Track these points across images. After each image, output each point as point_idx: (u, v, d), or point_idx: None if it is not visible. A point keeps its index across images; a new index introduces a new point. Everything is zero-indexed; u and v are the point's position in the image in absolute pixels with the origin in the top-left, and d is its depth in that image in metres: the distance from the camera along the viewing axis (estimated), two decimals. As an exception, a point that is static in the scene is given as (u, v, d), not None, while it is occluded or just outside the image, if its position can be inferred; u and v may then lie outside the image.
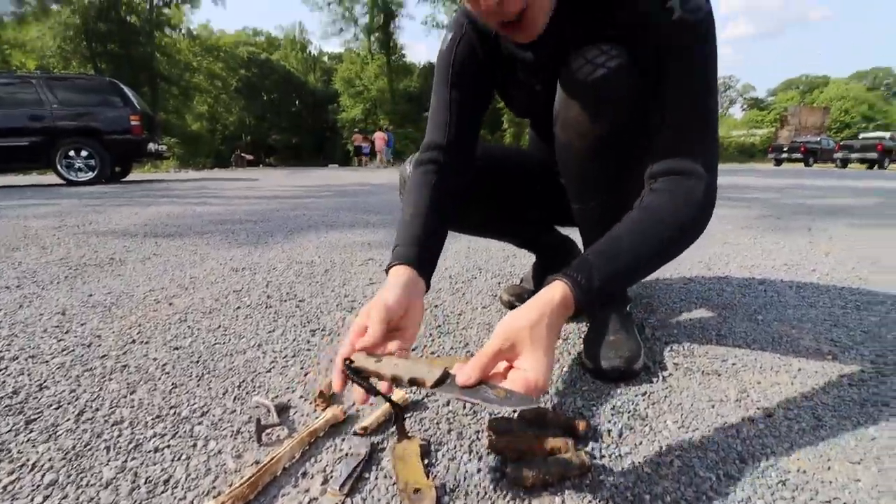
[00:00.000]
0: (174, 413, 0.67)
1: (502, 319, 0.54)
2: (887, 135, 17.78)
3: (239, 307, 1.15)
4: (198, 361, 0.84)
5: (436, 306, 1.15)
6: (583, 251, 0.95)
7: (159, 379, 0.77)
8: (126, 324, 1.03)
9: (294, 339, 0.95)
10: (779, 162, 19.19)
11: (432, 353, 0.88)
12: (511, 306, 1.11)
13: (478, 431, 0.62)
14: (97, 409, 0.68)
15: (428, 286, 0.71)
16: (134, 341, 0.93)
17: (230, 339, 0.95)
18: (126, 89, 6.61)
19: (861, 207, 3.38)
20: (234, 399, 0.71)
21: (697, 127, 0.64)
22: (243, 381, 0.77)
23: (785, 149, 19.11)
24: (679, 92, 0.63)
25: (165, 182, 7.08)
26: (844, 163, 17.20)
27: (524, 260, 1.61)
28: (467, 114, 0.81)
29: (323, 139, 35.21)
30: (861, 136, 19.98)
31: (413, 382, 0.49)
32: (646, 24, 0.63)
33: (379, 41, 31.18)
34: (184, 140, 24.91)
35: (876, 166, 16.38)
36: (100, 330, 0.99)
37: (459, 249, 1.81)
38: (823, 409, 0.67)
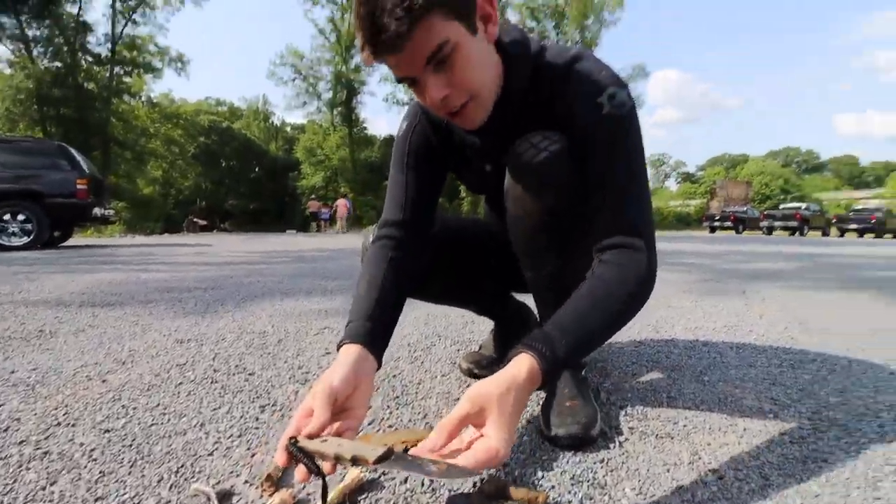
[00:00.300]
0: (99, 507, 0.60)
1: (471, 386, 0.55)
2: (803, 205, 19.90)
3: (181, 382, 1.08)
4: (131, 445, 0.77)
5: (394, 376, 1.12)
6: (538, 317, 0.98)
7: (85, 467, 0.70)
8: (51, 404, 0.94)
9: (241, 417, 0.89)
10: (713, 229, 20.86)
11: (390, 426, 0.86)
12: (470, 374, 1.10)
13: (436, 510, 0.60)
14: (6, 507, 0.60)
15: (379, 363, 0.72)
16: (59, 423, 0.85)
17: (169, 419, 0.88)
18: (75, 153, 6.44)
19: (788, 271, 3.69)
20: (171, 487, 0.65)
21: (634, 205, 0.71)
22: (182, 466, 0.71)
23: (717, 217, 20.90)
24: (613, 174, 0.71)
25: (109, 248, 6.74)
26: (770, 230, 18.93)
27: (483, 326, 1.63)
28: (423, 194, 0.87)
29: (282, 205, 35.10)
30: (781, 206, 22.26)
31: (356, 461, 0.47)
32: (581, 116, 0.71)
33: (341, 114, 32.47)
34: (133, 204, 24.09)
35: (797, 233, 18.12)
36: (20, 412, 0.90)
37: (419, 316, 1.81)
38: (770, 468, 0.70)
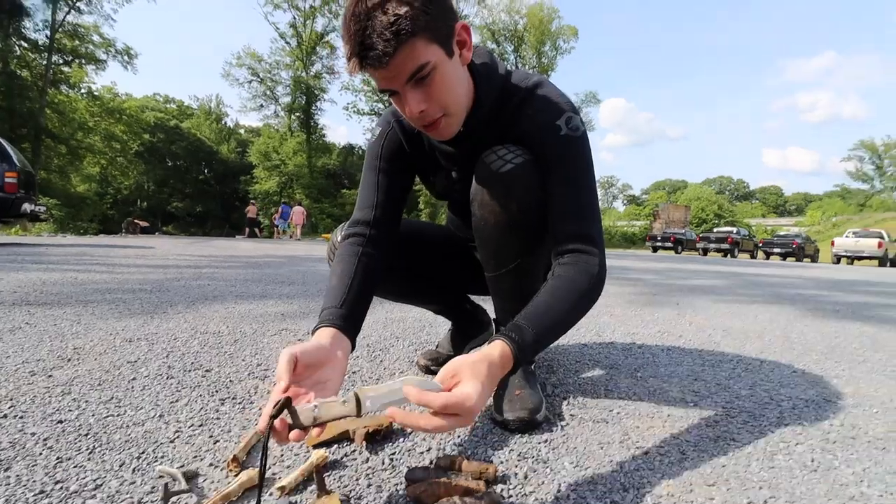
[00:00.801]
0: (61, 489, 0.61)
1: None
2: (734, 230, 21.54)
3: (134, 378, 1.07)
4: (87, 434, 0.77)
5: (353, 372, 1.16)
6: (495, 316, 1.05)
7: (40, 454, 0.69)
8: (-7, 398, 0.90)
9: (201, 409, 0.90)
10: (655, 249, 22.14)
11: (350, 415, 0.90)
12: (427, 370, 1.16)
13: (396, 484, 0.65)
14: (-39, 489, 0.59)
15: (353, 345, 0.77)
16: (5, 416, 0.82)
17: (125, 411, 0.88)
18: (5, 144, 5.96)
19: (718, 287, 4.02)
20: (134, 471, 0.66)
21: (587, 216, 0.81)
22: (143, 453, 0.72)
23: (659, 238, 22.20)
24: (569, 189, 0.81)
25: (38, 247, 6.23)
26: (705, 251, 20.34)
27: (439, 329, 1.69)
28: (392, 195, 0.93)
29: (230, 209, 33.72)
30: (715, 230, 24.01)
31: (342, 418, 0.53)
32: (540, 135, 0.81)
33: (300, 120, 31.84)
34: (66, 202, 22.28)
35: (728, 255, 19.57)
36: (-42, 405, 0.86)
37: (377, 319, 1.85)
38: (687, 446, 0.80)
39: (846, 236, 18.47)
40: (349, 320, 0.77)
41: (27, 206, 6.05)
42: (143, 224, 21.55)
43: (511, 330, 0.68)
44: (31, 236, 11.14)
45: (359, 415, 0.53)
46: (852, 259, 17.97)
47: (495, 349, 0.64)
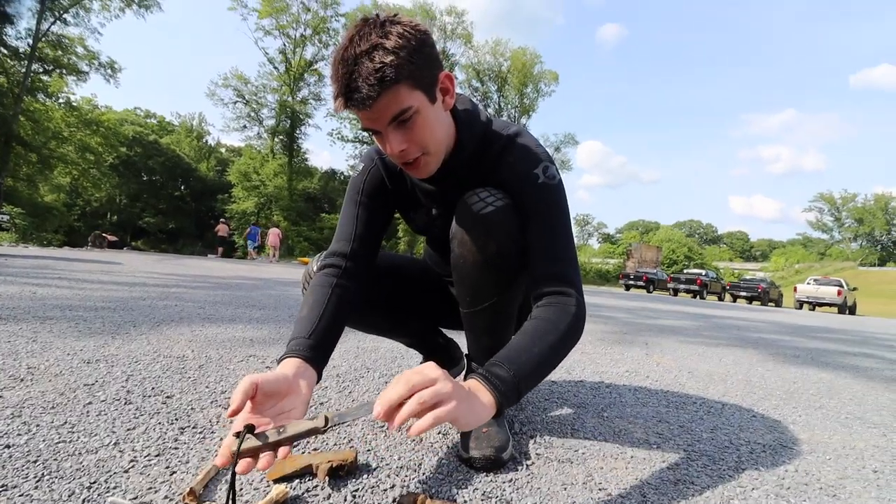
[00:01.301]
0: (1, 520, 0.58)
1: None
2: (703, 272, 22.26)
3: (90, 402, 1.02)
4: (35, 461, 0.73)
5: (321, 404, 1.14)
6: (468, 351, 1.06)
7: (-18, 482, 0.66)
8: (-66, 420, 0.85)
9: (159, 437, 0.87)
10: (628, 287, 22.62)
11: (315, 448, 0.88)
12: (396, 403, 1.15)
13: (358, 522, 0.64)
14: None
15: (319, 377, 0.77)
16: (-54, 439, 0.78)
17: (79, 438, 0.84)
18: (-29, 150, 5.75)
19: (686, 328, 4.13)
20: (84, 501, 0.64)
21: (564, 259, 0.84)
22: (94, 483, 0.69)
23: (632, 277, 22.73)
24: (546, 233, 0.84)
25: (-5, 257, 5.95)
26: (675, 292, 20.88)
27: (411, 361, 1.68)
28: (370, 230, 0.96)
29: (205, 227, 33.03)
30: (685, 271, 24.76)
31: (309, 433, 0.56)
32: (520, 183, 0.85)
33: (283, 143, 31.87)
34: (31, 212, 21.40)
35: (697, 296, 20.13)
36: None
37: (349, 349, 1.83)
38: (647, 488, 0.82)
39: (808, 283, 19.28)
40: (317, 350, 0.77)
41: (-12, 215, 5.80)
42: (111, 238, 20.73)
43: (488, 373, 0.69)
44: (-12, 245, 10.61)
45: (324, 430, 0.54)
46: (814, 305, 18.72)
47: (471, 383, 0.66)
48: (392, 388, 0.57)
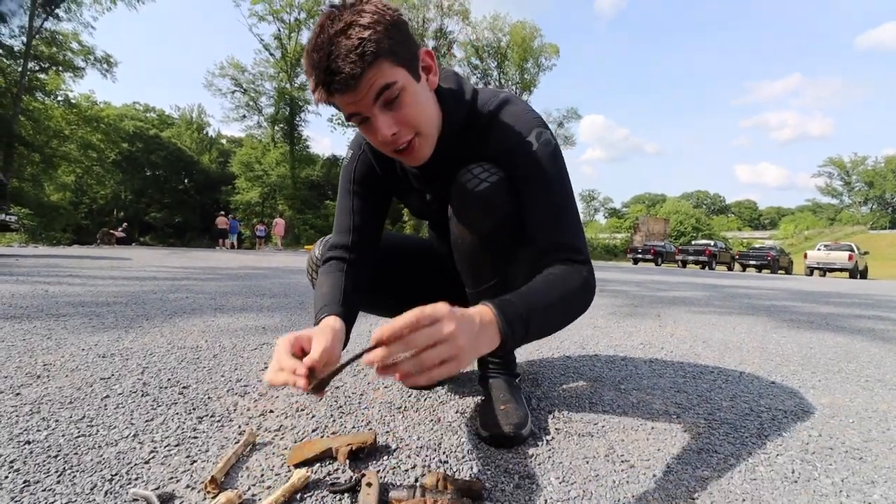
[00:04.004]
0: (26, 514, 0.58)
1: None
2: (712, 242, 22.05)
3: (108, 396, 1.03)
4: (56, 456, 0.74)
5: (337, 387, 1.14)
6: None
7: (6, 478, 0.66)
8: (-45, 418, 0.86)
9: (178, 427, 0.88)
10: (636, 261, 22.51)
11: (334, 432, 0.88)
12: (412, 385, 1.15)
13: None
14: (-84, 518, 0.56)
15: (347, 338, 0.79)
16: (-32, 437, 0.78)
17: (98, 431, 0.84)
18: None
19: (697, 299, 4.10)
20: (106, 494, 0.64)
21: (570, 225, 0.80)
22: (116, 475, 0.69)
23: (640, 250, 22.59)
24: (548, 202, 0.80)
25: (7, 257, 6.02)
26: (684, 263, 20.75)
27: (423, 342, 1.68)
28: (368, 219, 0.94)
29: (211, 220, 33.18)
30: (693, 243, 24.55)
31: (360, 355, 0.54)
32: (513, 153, 0.81)
33: (283, 131, 31.61)
34: (38, 212, 21.57)
35: (706, 267, 20.00)
36: (-83, 427, 0.82)
37: (361, 332, 1.83)
38: (671, 458, 0.81)
39: (818, 249, 19.06)
40: (346, 310, 0.80)
41: (-3, 216, 5.84)
42: (119, 234, 20.89)
43: (499, 301, 0.64)
44: (0, 247, 10.75)
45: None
46: (824, 271, 18.54)
47: (477, 308, 0.61)
48: (399, 321, 0.51)
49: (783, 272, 19.93)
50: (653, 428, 0.95)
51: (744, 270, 20.44)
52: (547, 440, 0.86)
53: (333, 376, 0.60)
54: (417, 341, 0.51)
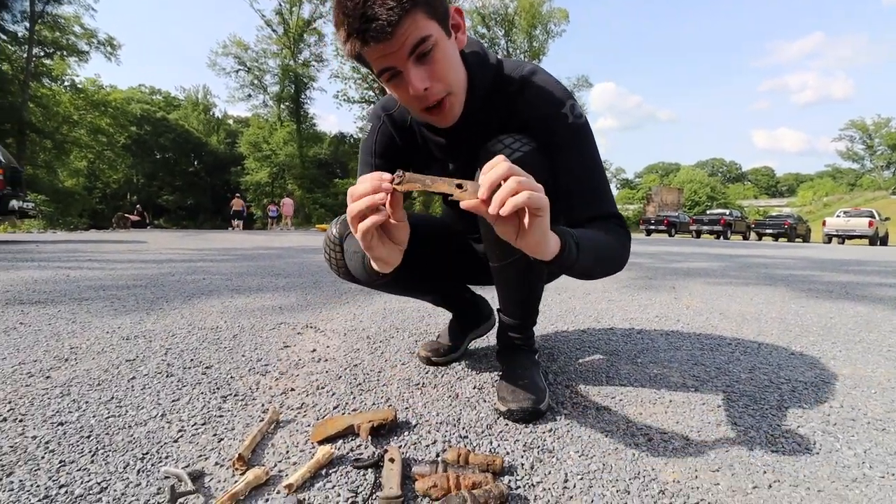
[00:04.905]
0: (66, 493, 0.60)
1: None
2: (727, 211, 21.66)
3: (134, 377, 1.06)
4: (89, 437, 0.76)
5: (355, 365, 1.16)
6: (497, 307, 1.05)
7: (42, 458, 0.69)
8: (-9, 401, 0.89)
9: (203, 407, 0.90)
10: (649, 232, 22.24)
11: (354, 409, 0.89)
12: (428, 361, 1.16)
13: (403, 479, 0.65)
14: (-37, 497, 0.59)
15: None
16: (4, 419, 0.81)
17: (127, 412, 0.87)
18: (-12, 140, 5.83)
19: (712, 270, 4.05)
20: (139, 472, 0.66)
21: (604, 194, 0.83)
22: (147, 454, 0.71)
23: (653, 221, 22.28)
24: (583, 174, 0.81)
25: (28, 244, 6.15)
26: (698, 234, 20.45)
27: (439, 319, 1.69)
28: None
29: (222, 201, 33.39)
30: (708, 212, 24.12)
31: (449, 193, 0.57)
32: (547, 124, 0.80)
33: (289, 109, 31.35)
34: (54, 198, 21.92)
35: (721, 237, 19.70)
36: (-44, 410, 0.85)
37: (376, 311, 1.84)
38: (690, 431, 0.81)
39: (837, 216, 18.61)
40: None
41: (15, 203, 5.95)
42: (134, 218, 21.21)
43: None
44: (20, 233, 10.99)
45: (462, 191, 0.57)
46: (843, 238, 18.14)
47: None
48: (492, 171, 0.56)
49: (800, 240, 19.57)
50: (671, 401, 0.95)
51: (760, 239, 20.09)
52: (565, 414, 0.87)
53: (418, 187, 0.58)
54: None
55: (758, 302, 2.26)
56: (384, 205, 0.60)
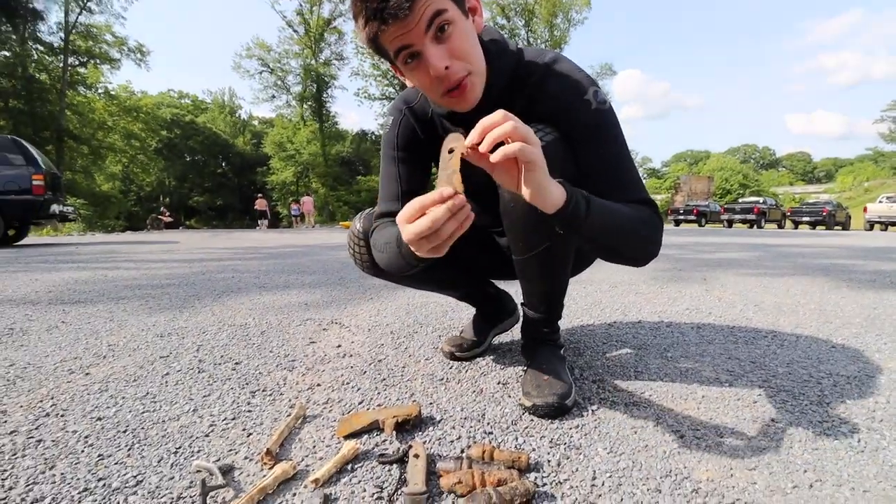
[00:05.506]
0: (104, 486, 0.63)
1: None
2: (760, 199, 20.86)
3: (168, 373, 1.09)
4: (125, 431, 0.79)
5: (379, 361, 1.16)
6: (521, 302, 1.03)
7: (82, 452, 0.72)
8: (36, 397, 0.94)
9: (233, 402, 0.92)
10: (678, 223, 21.63)
11: (379, 404, 0.90)
12: (452, 356, 1.16)
13: (429, 475, 0.65)
14: (11, 489, 0.61)
15: None
16: (48, 414, 0.85)
17: (161, 407, 0.90)
18: (30, 147, 6.13)
19: (745, 260, 3.91)
20: (172, 466, 0.68)
21: (635, 180, 0.81)
22: (180, 448, 0.73)
23: (681, 211, 21.66)
24: (611, 161, 0.80)
25: (69, 246, 6.45)
26: (730, 223, 19.80)
27: (461, 314, 1.68)
28: (414, 185, 0.93)
29: (249, 201, 34.26)
30: (740, 200, 23.27)
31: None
32: (571, 112, 0.78)
33: (312, 108, 31.79)
34: (92, 201, 22.93)
35: (755, 226, 19.01)
36: (4, 405, 0.89)
37: (399, 306, 1.85)
38: (724, 429, 0.78)
39: (879, 201, 17.66)
40: None
41: (56, 208, 6.24)
42: (168, 219, 21.98)
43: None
44: (61, 236, 11.55)
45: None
46: (887, 225, 17.23)
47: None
48: (488, 117, 0.58)
49: (840, 228, 18.68)
50: (703, 396, 0.92)
51: (796, 228, 19.28)
52: (592, 410, 0.85)
53: (454, 173, 0.60)
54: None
55: (794, 293, 2.17)
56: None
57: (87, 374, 1.08)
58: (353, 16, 0.68)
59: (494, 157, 0.56)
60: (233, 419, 0.84)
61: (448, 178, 0.60)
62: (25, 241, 7.52)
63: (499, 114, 0.57)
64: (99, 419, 0.84)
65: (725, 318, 1.61)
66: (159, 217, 21.34)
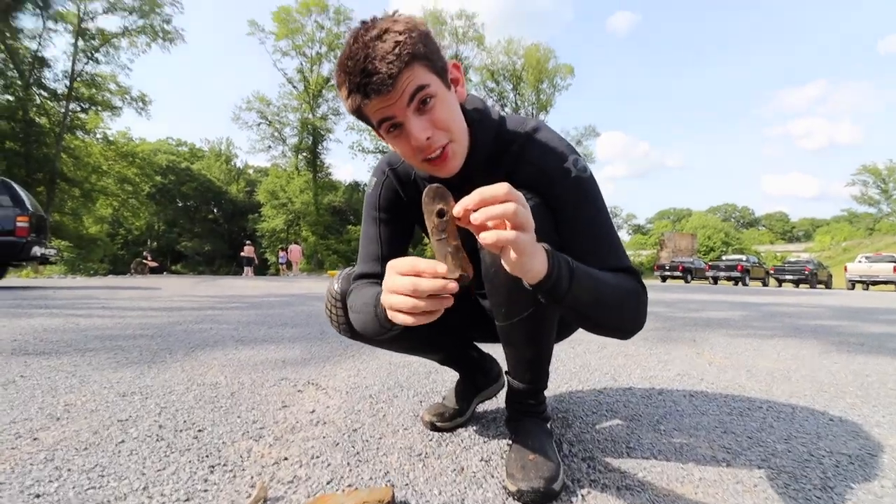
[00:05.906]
0: (20, 588, 0.54)
1: None
2: (744, 257, 21.28)
3: (123, 441, 1.00)
4: (62, 514, 0.70)
5: (354, 430, 1.09)
6: (505, 370, 0.98)
7: (6, 542, 0.63)
8: (-32, 470, 0.84)
9: (188, 479, 0.83)
10: (664, 278, 21.87)
11: (349, 484, 0.82)
12: (433, 427, 1.08)
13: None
14: None
15: None
16: (-23, 492, 0.76)
17: (108, 483, 0.81)
18: (18, 189, 6.10)
19: (733, 320, 3.90)
20: (106, 561, 0.59)
21: (616, 248, 0.79)
22: (120, 537, 0.65)
23: (667, 267, 21.95)
24: (592, 229, 0.79)
25: (46, 289, 6.25)
26: (715, 280, 20.05)
27: (445, 376, 1.61)
28: (394, 246, 0.92)
29: (238, 247, 34.12)
30: (724, 258, 23.74)
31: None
32: (551, 180, 0.78)
33: (307, 159, 32.53)
34: (77, 244, 22.61)
35: (739, 283, 19.26)
36: (-71, 480, 0.80)
37: (380, 366, 1.77)
38: (724, 519, 0.72)
39: (859, 261, 18.16)
40: None
41: (37, 250, 6.11)
42: (152, 264, 21.64)
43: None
44: (41, 279, 11.24)
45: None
46: (867, 284, 17.61)
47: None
48: (491, 188, 0.55)
49: (822, 286, 19.02)
50: (700, 479, 0.85)
51: (779, 286, 19.60)
52: (582, 495, 0.78)
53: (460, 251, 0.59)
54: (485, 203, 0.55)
55: (786, 357, 2.14)
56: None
57: (35, 438, 0.99)
58: (337, 85, 0.69)
59: (486, 241, 0.54)
60: (186, 501, 0.75)
61: (455, 256, 0.59)
62: (2, 282, 7.29)
63: (502, 188, 0.54)
64: (37, 496, 0.75)
65: (718, 385, 1.56)
66: (143, 261, 21.04)
